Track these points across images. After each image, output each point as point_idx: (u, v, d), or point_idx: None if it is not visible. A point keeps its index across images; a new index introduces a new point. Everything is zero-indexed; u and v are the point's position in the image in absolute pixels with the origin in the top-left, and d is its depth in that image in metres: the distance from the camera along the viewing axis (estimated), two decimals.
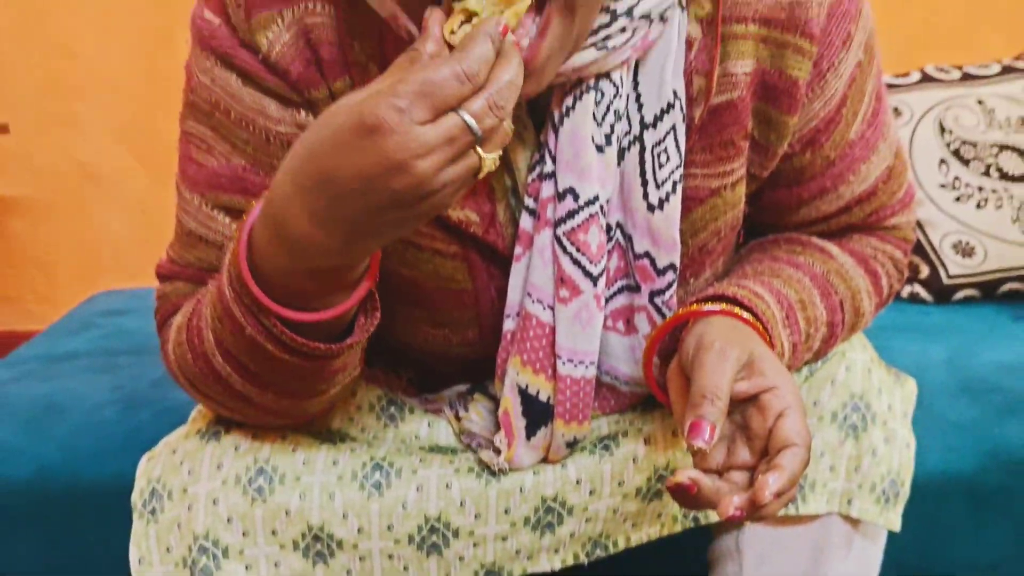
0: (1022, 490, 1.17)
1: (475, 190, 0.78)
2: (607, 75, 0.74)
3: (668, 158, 0.76)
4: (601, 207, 0.77)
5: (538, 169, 0.77)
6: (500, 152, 0.62)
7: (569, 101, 0.74)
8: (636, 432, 0.88)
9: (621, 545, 0.87)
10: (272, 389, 0.76)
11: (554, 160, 0.76)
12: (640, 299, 0.81)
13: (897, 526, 0.86)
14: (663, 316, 0.81)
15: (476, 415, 0.90)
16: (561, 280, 0.78)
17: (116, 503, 1.02)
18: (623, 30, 0.71)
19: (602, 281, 0.79)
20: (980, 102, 1.69)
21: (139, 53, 1.87)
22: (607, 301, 0.81)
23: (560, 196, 0.76)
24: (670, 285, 0.79)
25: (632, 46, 0.72)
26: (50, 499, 1.14)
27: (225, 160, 0.80)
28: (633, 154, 0.77)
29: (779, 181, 0.84)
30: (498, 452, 0.85)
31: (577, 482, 0.86)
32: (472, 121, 0.58)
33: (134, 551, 0.82)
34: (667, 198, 0.77)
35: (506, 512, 0.85)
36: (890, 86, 1.72)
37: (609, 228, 0.79)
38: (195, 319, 0.78)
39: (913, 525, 1.08)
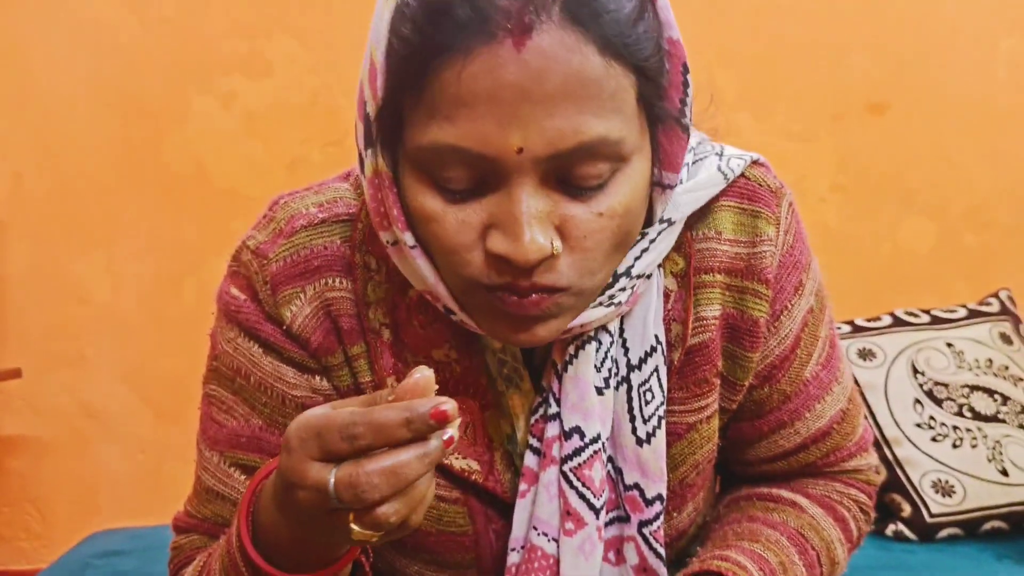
0: None
1: (475, 440, 0.82)
2: (604, 326, 0.79)
3: (653, 396, 0.81)
4: (604, 444, 0.81)
5: (541, 411, 0.81)
6: (376, 533, 0.62)
7: (572, 350, 0.80)
8: None
9: None
10: None
11: (558, 403, 0.80)
12: (630, 529, 0.83)
13: None
14: (650, 546, 0.83)
15: None
16: (567, 513, 0.81)
17: None
18: (623, 289, 0.77)
19: (603, 513, 0.82)
20: (949, 345, 1.74)
21: (148, 299, 1.94)
22: (609, 552, 0.84)
23: (567, 435, 0.80)
24: (658, 516, 0.82)
25: (626, 302, 0.78)
26: None
27: (244, 420, 0.84)
28: (621, 393, 0.82)
29: (743, 415, 0.88)
30: None
31: None
32: (330, 485, 0.60)
33: None
34: (654, 432, 0.81)
35: None
36: (862, 328, 1.78)
37: (607, 475, 0.83)
38: (205, 573, 0.79)
39: None
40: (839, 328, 1.77)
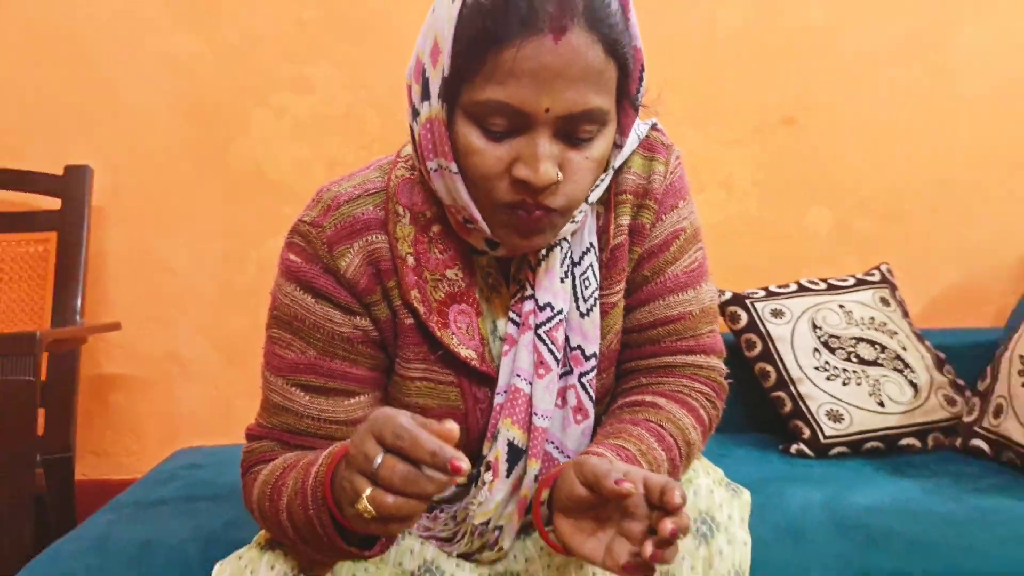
0: None
1: (473, 336, 0.88)
2: (563, 237, 0.88)
3: (590, 283, 0.90)
4: (565, 317, 0.88)
5: (518, 296, 0.88)
6: (371, 512, 0.65)
7: (543, 252, 0.88)
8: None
9: None
10: (310, 548, 0.82)
11: (532, 287, 0.87)
12: (572, 379, 0.90)
13: None
14: (586, 391, 0.90)
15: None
16: (540, 362, 0.87)
17: None
18: (580, 211, 0.86)
19: (560, 364, 0.89)
20: (841, 306, 1.75)
21: (218, 270, 1.93)
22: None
23: (540, 308, 0.87)
24: (592, 368, 0.90)
25: (578, 223, 0.87)
26: None
27: (301, 353, 0.87)
28: (568, 281, 0.89)
29: (626, 294, 0.94)
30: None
31: None
32: (377, 460, 0.64)
33: None
34: (591, 309, 0.89)
35: None
36: (775, 293, 1.77)
37: (565, 338, 0.90)
38: (278, 486, 0.82)
39: None
40: (757, 293, 1.78)
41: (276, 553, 0.87)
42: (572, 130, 0.77)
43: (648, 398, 0.93)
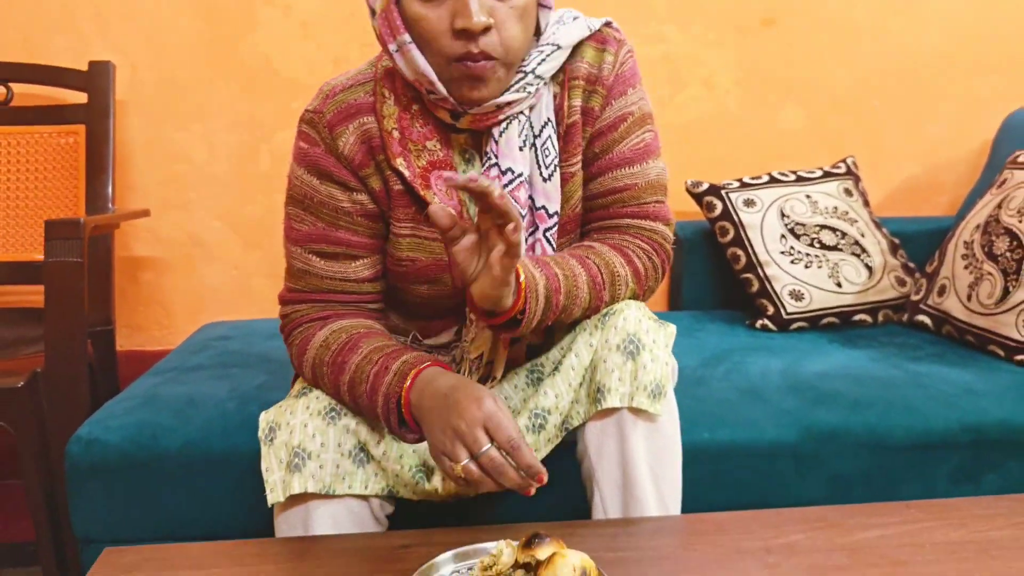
0: (828, 454, 1.24)
1: (451, 197, 0.98)
2: (520, 112, 0.97)
3: (549, 152, 1.00)
4: (525, 180, 0.98)
5: (487, 163, 0.97)
6: (458, 477, 0.82)
7: (503, 125, 0.97)
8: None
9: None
10: (359, 410, 0.96)
11: (496, 157, 0.97)
12: (538, 234, 1.00)
13: (660, 412, 0.93)
14: (549, 242, 1.01)
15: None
16: None
17: (238, 465, 1.16)
18: (530, 84, 0.95)
19: (524, 220, 0.99)
20: (808, 196, 1.80)
21: (234, 160, 1.95)
22: (526, 239, 1.01)
23: (503, 173, 0.97)
24: (554, 224, 1.00)
25: (532, 95, 0.96)
26: (193, 463, 1.19)
27: (312, 225, 1.00)
28: (532, 153, 0.99)
29: (583, 167, 1.04)
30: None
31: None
32: (483, 449, 0.81)
33: (263, 464, 0.95)
34: (551, 175, 1.00)
35: None
36: (748, 184, 1.81)
37: (528, 198, 0.99)
38: (338, 363, 0.96)
39: (754, 476, 1.23)
40: (731, 184, 1.83)
41: (309, 397, 0.99)
42: None
43: (587, 242, 1.04)
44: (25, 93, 1.84)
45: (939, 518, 0.94)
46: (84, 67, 1.81)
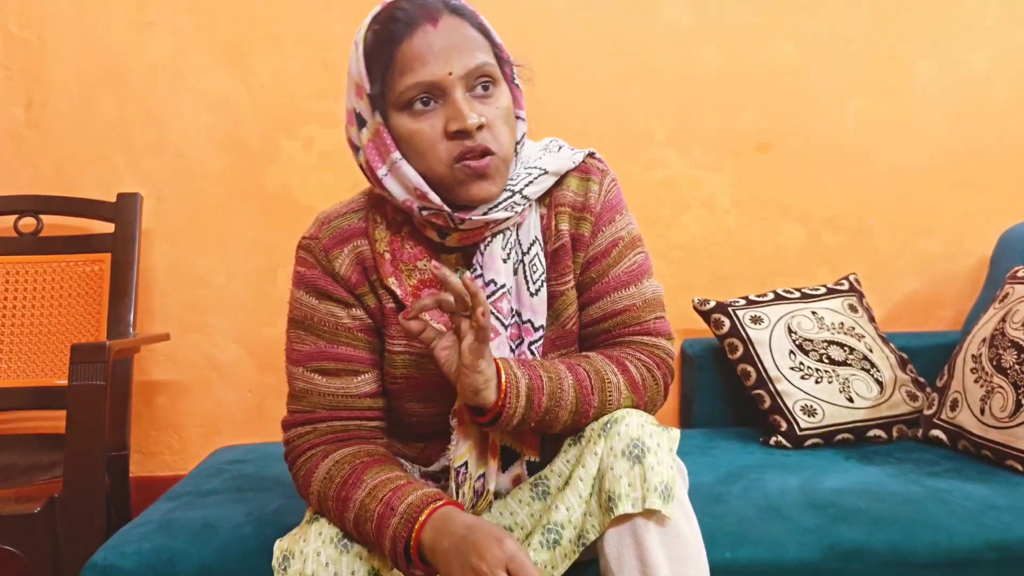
0: (853, 572, 1.21)
1: (441, 314, 0.98)
2: (506, 229, 1.01)
3: (536, 269, 1.03)
4: (508, 291, 1.01)
5: (473, 276, 1.00)
6: None
7: (489, 239, 1.01)
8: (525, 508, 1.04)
9: None
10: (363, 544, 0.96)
11: (482, 267, 1.00)
12: (523, 347, 1.02)
13: (672, 514, 0.91)
14: (534, 355, 1.03)
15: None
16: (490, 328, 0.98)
17: None
18: (517, 203, 0.99)
19: (509, 330, 1.02)
20: (814, 312, 1.82)
21: (252, 285, 1.99)
22: (512, 351, 1.02)
23: (487, 284, 1.00)
24: (540, 338, 1.02)
25: (519, 213, 1.01)
26: None
27: (313, 344, 1.02)
28: (520, 270, 1.02)
29: (579, 293, 1.07)
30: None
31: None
32: None
33: None
34: (538, 290, 1.02)
35: None
36: (754, 302, 1.84)
37: (512, 310, 1.02)
38: (342, 498, 0.95)
39: None
40: (738, 302, 1.86)
41: (321, 522, 0.99)
42: (475, 85, 0.94)
43: (583, 353, 1.06)
44: (55, 224, 1.91)
45: None
46: (112, 198, 1.87)
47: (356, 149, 0.99)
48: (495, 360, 0.95)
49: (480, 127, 0.92)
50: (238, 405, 2.02)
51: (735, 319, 1.83)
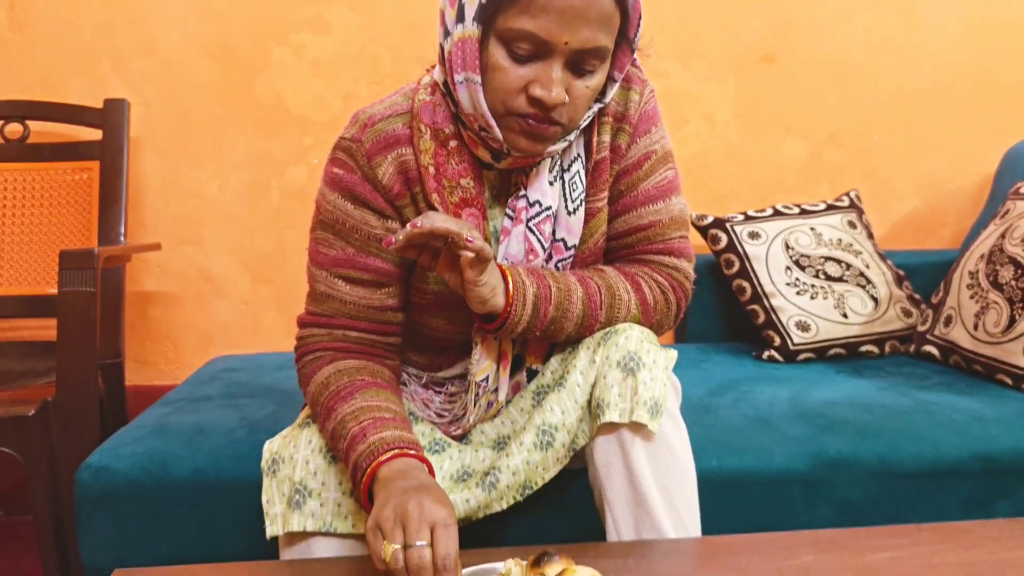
0: (838, 481, 1.23)
1: (486, 237, 0.99)
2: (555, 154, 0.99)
3: (576, 187, 1.01)
4: (553, 213, 1.00)
5: (513, 196, 0.99)
6: (387, 560, 0.76)
7: (537, 161, 0.98)
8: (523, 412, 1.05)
9: (540, 484, 0.98)
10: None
11: (526, 188, 0.98)
12: (551, 264, 1.02)
13: (657, 430, 0.92)
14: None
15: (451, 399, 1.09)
16: (530, 250, 0.99)
17: (247, 492, 1.15)
18: (571, 137, 0.96)
19: (546, 251, 1.00)
20: (812, 228, 1.81)
21: (245, 197, 1.98)
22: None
23: (531, 205, 0.98)
24: (570, 257, 1.02)
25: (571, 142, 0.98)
26: (202, 490, 1.19)
27: (341, 250, 0.99)
28: (559, 185, 1.00)
29: (608, 205, 1.05)
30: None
31: (498, 448, 1.02)
32: (417, 544, 0.75)
33: (264, 495, 0.96)
34: (577, 209, 1.01)
35: (464, 480, 1.00)
36: (752, 217, 1.83)
37: (552, 232, 1.01)
38: (328, 406, 0.95)
39: (763, 504, 1.22)
40: (736, 217, 1.85)
41: (312, 428, 0.99)
42: (580, 62, 0.88)
43: (599, 266, 1.05)
44: (42, 131, 1.88)
45: (951, 540, 0.93)
46: (100, 105, 1.84)
47: (445, 33, 0.92)
48: (502, 268, 0.95)
49: (561, 103, 0.88)
50: (233, 317, 2.03)
51: (732, 234, 1.82)
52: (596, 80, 0.91)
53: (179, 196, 1.98)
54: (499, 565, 0.81)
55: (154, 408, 1.44)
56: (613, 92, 0.97)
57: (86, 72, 1.93)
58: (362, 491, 0.87)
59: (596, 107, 0.97)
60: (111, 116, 1.82)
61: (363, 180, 0.97)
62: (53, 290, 1.73)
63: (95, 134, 1.85)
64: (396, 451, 0.87)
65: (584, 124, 0.96)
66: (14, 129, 1.84)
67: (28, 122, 1.84)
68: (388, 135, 0.97)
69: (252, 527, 1.15)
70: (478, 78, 0.89)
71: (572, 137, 0.97)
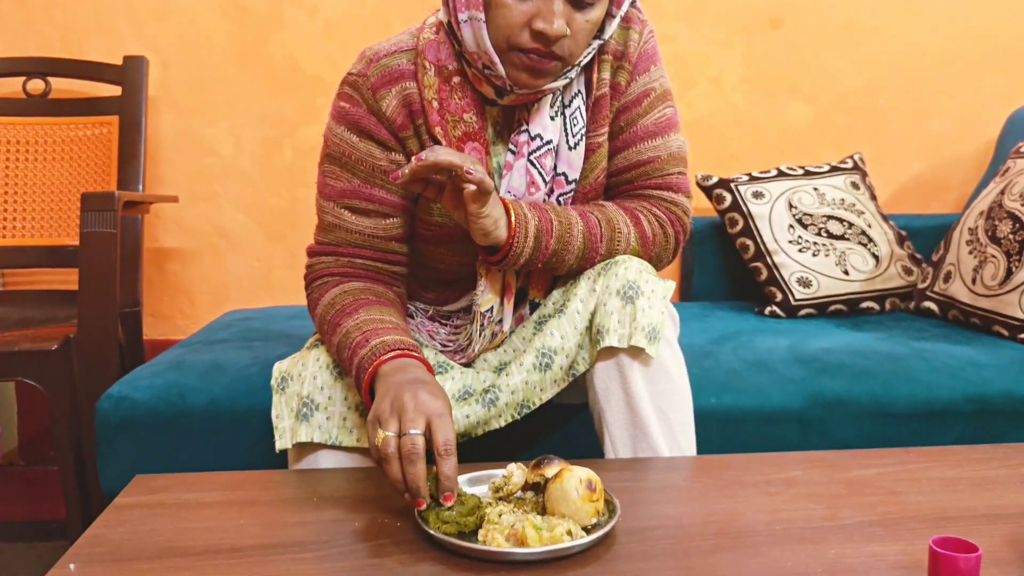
0: (832, 421, 1.28)
1: (489, 172, 1.02)
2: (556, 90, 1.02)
3: (577, 122, 1.04)
4: (554, 148, 1.03)
5: (517, 130, 1.02)
6: (379, 445, 0.78)
7: (539, 97, 1.00)
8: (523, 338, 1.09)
9: (537, 403, 1.01)
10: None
11: (527, 123, 1.01)
12: (552, 198, 1.05)
13: (655, 354, 0.95)
14: (561, 205, 1.03)
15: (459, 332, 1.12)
16: (531, 183, 1.02)
17: (260, 421, 1.19)
18: (572, 68, 0.98)
19: (547, 184, 1.03)
20: (816, 189, 1.83)
21: (259, 155, 2.01)
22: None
23: (532, 139, 1.01)
24: (571, 191, 1.05)
25: (572, 79, 1.01)
26: (218, 419, 1.24)
27: (347, 181, 1.03)
28: (560, 120, 1.03)
29: (608, 140, 1.07)
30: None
31: (499, 371, 1.06)
32: (411, 433, 0.78)
33: (273, 411, 0.99)
34: (577, 144, 1.04)
35: (464, 399, 1.04)
36: (757, 178, 1.85)
37: (553, 166, 1.03)
38: (333, 323, 0.98)
39: (759, 441, 1.25)
40: (741, 178, 1.87)
41: (320, 349, 1.03)
42: None
43: (600, 201, 1.08)
44: (63, 87, 1.92)
45: (937, 460, 0.97)
46: (119, 62, 1.88)
47: None
48: (504, 201, 0.98)
49: (563, 36, 0.91)
50: (246, 273, 2.07)
51: (737, 194, 1.85)
52: (596, 14, 0.94)
53: (195, 153, 2.02)
54: (500, 471, 0.85)
55: (172, 350, 1.49)
56: (612, 28, 1.00)
57: (104, 31, 1.97)
58: (364, 390, 0.90)
59: (596, 43, 1.00)
60: (130, 72, 1.86)
61: (368, 113, 1.00)
62: (74, 241, 1.78)
63: (114, 90, 1.89)
64: (397, 352, 0.90)
65: (584, 61, 1.00)
66: (36, 85, 1.89)
67: (49, 78, 1.88)
68: (393, 70, 1.00)
69: (265, 454, 1.20)
70: (482, 15, 0.93)
71: (573, 74, 1.00)
